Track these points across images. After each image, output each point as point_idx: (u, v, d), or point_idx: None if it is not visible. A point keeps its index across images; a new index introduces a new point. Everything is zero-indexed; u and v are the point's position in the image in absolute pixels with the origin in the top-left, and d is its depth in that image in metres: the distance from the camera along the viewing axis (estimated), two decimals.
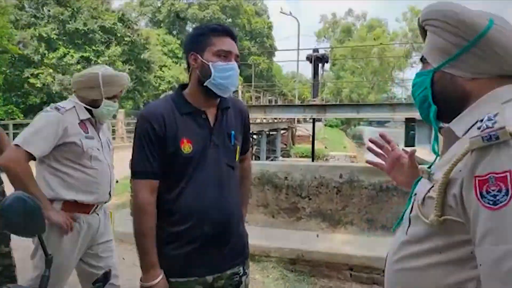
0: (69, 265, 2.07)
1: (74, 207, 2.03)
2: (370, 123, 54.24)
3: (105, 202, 2.18)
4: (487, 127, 0.77)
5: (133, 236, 1.44)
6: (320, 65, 12.58)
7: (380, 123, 55.43)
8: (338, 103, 21.48)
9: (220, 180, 1.48)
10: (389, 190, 3.85)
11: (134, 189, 1.43)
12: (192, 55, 1.46)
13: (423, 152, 7.16)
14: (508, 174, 0.72)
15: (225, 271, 1.51)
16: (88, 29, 19.95)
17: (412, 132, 9.11)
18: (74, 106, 2.07)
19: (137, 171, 1.43)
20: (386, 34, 42.89)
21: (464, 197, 0.79)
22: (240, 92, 15.88)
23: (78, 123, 2.04)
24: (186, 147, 1.42)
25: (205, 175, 1.45)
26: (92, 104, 2.10)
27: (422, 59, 1.01)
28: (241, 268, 1.57)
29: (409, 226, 0.95)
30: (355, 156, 18.13)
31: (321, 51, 12.84)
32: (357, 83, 37.78)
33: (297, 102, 14.37)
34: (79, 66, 19.68)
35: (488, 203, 0.74)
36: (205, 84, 1.43)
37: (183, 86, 1.54)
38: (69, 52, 19.62)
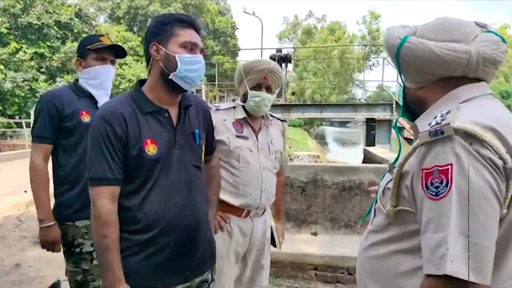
0: (224, 270, 1.93)
1: (222, 206, 1.89)
2: (332, 123, 55.54)
3: (259, 209, 2.00)
4: (436, 123, 0.83)
5: (95, 250, 1.30)
6: (283, 65, 12.69)
7: (342, 124, 56.94)
8: (301, 103, 21.84)
9: (188, 182, 1.39)
10: (352, 189, 3.90)
11: (93, 198, 1.28)
12: (153, 45, 1.34)
13: (382, 150, 7.39)
14: (450, 167, 0.78)
15: (195, 279, 1.42)
16: (42, 23, 18.98)
17: (373, 132, 9.43)
18: (234, 106, 1.99)
19: (96, 177, 1.28)
20: (345, 36, 43.99)
21: (414, 188, 0.86)
22: (203, 91, 15.71)
23: (233, 122, 1.94)
24: (151, 149, 1.31)
25: (171, 178, 1.35)
26: (245, 100, 1.99)
27: None
28: (209, 275, 1.49)
29: (374, 217, 1.03)
30: (319, 156, 18.47)
31: (284, 51, 12.96)
32: (319, 84, 38.49)
33: None
34: (32, 63, 18.71)
35: (431, 194, 0.80)
36: (169, 77, 1.32)
37: (142, 82, 1.42)
38: (21, 47, 18.58)
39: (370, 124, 9.81)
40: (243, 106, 2.00)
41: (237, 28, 38.10)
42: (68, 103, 1.92)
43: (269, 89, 1.99)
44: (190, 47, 1.35)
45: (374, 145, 8.97)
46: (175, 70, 1.32)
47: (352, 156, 21.00)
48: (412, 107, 1.03)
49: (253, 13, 26.81)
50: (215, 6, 37.74)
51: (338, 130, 51.47)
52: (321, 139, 36.67)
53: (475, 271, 0.74)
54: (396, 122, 1.06)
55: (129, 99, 1.36)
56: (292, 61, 15.38)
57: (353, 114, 9.91)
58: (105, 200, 1.27)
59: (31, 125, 1.98)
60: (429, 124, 0.85)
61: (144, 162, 1.31)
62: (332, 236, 3.86)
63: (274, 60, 13.58)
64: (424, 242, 0.81)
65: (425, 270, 0.80)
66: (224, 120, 1.95)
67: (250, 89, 1.95)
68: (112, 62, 2.06)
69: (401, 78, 1.04)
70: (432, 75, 0.95)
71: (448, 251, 0.75)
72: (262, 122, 2.04)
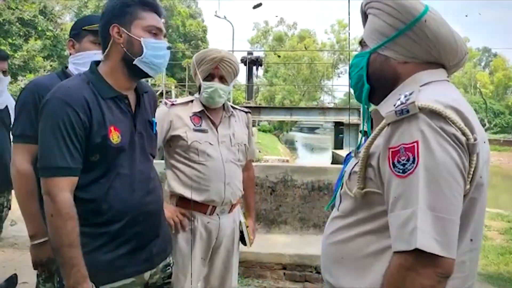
0: (187, 268, 1.85)
1: (187, 204, 1.84)
2: (301, 129, 56.20)
3: (225, 204, 1.92)
4: (401, 103, 0.84)
5: (54, 248, 1.19)
6: (254, 68, 12.76)
7: (311, 130, 57.75)
8: (272, 106, 22.13)
9: (148, 170, 1.37)
10: (321, 189, 3.94)
11: (51, 190, 1.18)
12: (115, 27, 1.27)
13: None
14: (415, 144, 0.79)
15: (159, 264, 1.41)
16: (3, 20, 18.17)
17: (341, 135, 9.63)
18: (192, 100, 1.93)
19: (56, 167, 1.18)
20: (315, 44, 44.81)
21: (380, 168, 0.86)
22: (173, 93, 15.52)
23: (190, 116, 1.87)
24: (115, 137, 1.25)
25: (134, 167, 1.31)
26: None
27: (361, 42, 1.07)
28: (170, 258, 1.49)
29: (340, 203, 1.02)
30: (288, 160, 18.66)
31: (255, 54, 13.05)
32: (289, 90, 38.94)
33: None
34: None
35: (399, 172, 0.80)
36: (134, 62, 1.27)
37: (97, 63, 1.35)
38: None
39: (339, 127, 10.04)
40: (200, 99, 1.96)
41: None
42: None
43: (223, 79, 1.92)
44: (155, 32, 1.31)
45: (342, 148, 9.18)
46: (140, 55, 1.27)
47: (321, 161, 21.34)
48: (378, 85, 1.01)
49: (224, 17, 26.77)
50: (186, 10, 37.49)
51: (307, 136, 52.12)
52: (290, 145, 37.01)
53: (442, 245, 0.75)
54: (365, 98, 1.02)
55: (86, 81, 1.28)
56: (263, 66, 15.50)
57: (322, 117, 10.09)
58: (66, 193, 1.18)
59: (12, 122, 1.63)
60: (394, 105, 0.86)
61: (108, 150, 1.25)
62: (301, 236, 3.88)
63: (245, 63, 13.64)
64: (392, 220, 0.81)
65: (394, 247, 0.80)
66: (180, 114, 1.90)
67: (202, 80, 1.90)
68: None
69: (377, 45, 0.99)
70: (430, 55, 0.95)
71: (418, 226, 0.75)
72: (223, 114, 1.99)
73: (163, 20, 1.37)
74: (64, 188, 1.18)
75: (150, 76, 1.35)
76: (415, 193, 0.77)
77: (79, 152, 1.21)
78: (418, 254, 0.75)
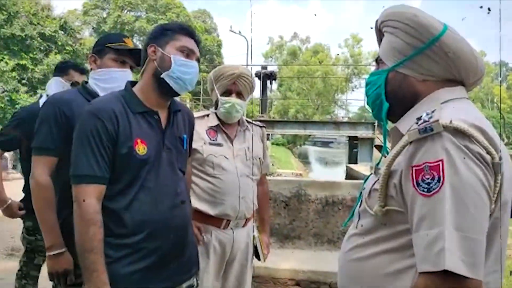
0: (203, 283, 1.85)
1: (200, 217, 1.85)
2: (315, 143, 55.96)
3: (239, 219, 1.93)
4: (424, 121, 0.84)
5: (78, 253, 1.23)
6: (268, 82, 12.84)
7: (325, 144, 57.45)
8: (285, 119, 22.19)
9: (175, 185, 1.39)
10: (335, 204, 3.90)
11: (78, 196, 1.24)
12: (152, 46, 1.37)
13: (365, 168, 7.47)
14: (440, 163, 0.78)
15: (182, 284, 1.40)
16: (25, 35, 18.79)
17: (355, 150, 9.56)
18: (208, 114, 1.98)
19: (83, 175, 1.24)
20: (328, 58, 44.92)
21: (403, 186, 0.85)
22: (188, 107, 15.71)
23: (206, 130, 1.92)
24: (141, 148, 1.30)
25: (159, 180, 1.33)
26: (217, 107, 1.98)
27: (377, 60, 1.07)
28: (195, 280, 1.48)
29: (358, 220, 1.01)
30: (301, 174, 18.56)
31: (270, 68, 13.15)
32: (302, 104, 39.01)
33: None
34: (14, 73, 18.40)
35: (423, 191, 0.79)
36: (162, 76, 1.34)
37: (132, 84, 1.43)
38: (3, 58, 18.30)
39: (353, 142, 9.99)
40: (216, 113, 1.99)
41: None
42: (79, 110, 1.55)
43: (240, 95, 1.97)
44: (187, 53, 1.39)
45: (356, 163, 9.11)
46: (169, 70, 1.34)
47: (335, 176, 21.15)
48: (397, 103, 1.00)
49: (239, 32, 27.14)
50: (202, 25, 38.13)
51: (321, 150, 51.77)
52: (304, 158, 36.83)
53: (470, 266, 0.74)
54: (385, 116, 1.01)
55: (120, 98, 1.35)
56: (277, 80, 15.62)
57: (336, 131, 10.05)
58: (92, 199, 1.23)
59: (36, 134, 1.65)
60: (417, 123, 0.86)
61: (133, 161, 1.29)
62: (315, 252, 3.83)
63: (259, 77, 13.73)
64: (418, 240, 0.80)
65: (420, 268, 0.78)
66: (196, 128, 1.91)
67: (220, 96, 1.95)
68: (131, 68, 1.82)
69: (395, 64, 0.98)
70: (450, 72, 0.94)
71: (446, 247, 0.74)
72: (238, 128, 2.02)
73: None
74: (89, 195, 1.23)
75: (176, 93, 1.39)
76: (441, 213, 0.76)
77: (106, 161, 1.26)
78: (446, 275, 0.74)
